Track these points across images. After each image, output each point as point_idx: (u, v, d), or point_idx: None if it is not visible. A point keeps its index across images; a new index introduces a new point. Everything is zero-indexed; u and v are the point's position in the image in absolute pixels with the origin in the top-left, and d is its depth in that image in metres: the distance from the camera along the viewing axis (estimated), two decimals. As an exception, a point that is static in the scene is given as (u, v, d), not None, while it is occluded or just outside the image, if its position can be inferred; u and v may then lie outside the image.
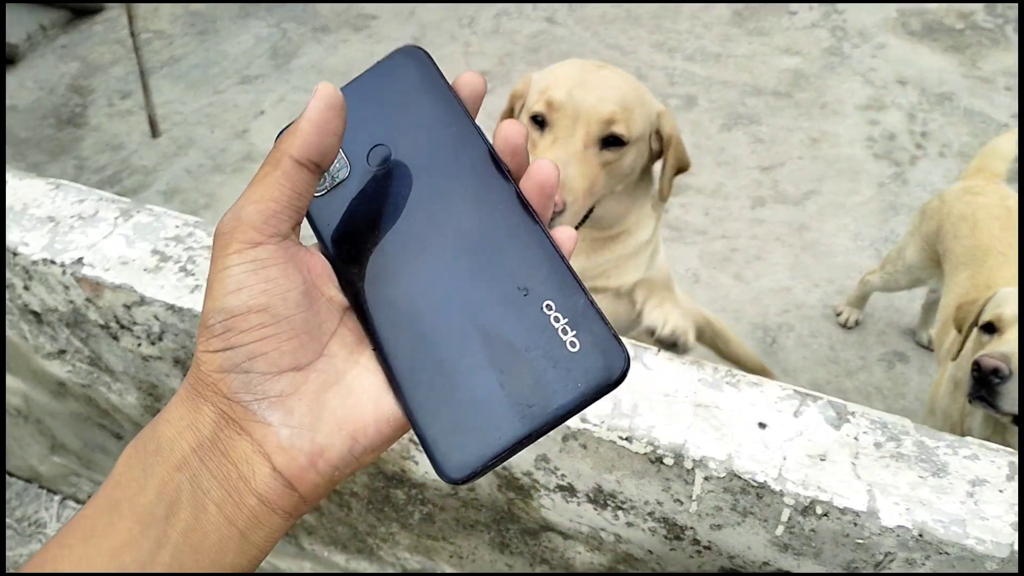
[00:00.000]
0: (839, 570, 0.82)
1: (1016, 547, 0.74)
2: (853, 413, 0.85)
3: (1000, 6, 3.34)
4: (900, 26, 3.28)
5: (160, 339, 1.06)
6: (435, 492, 1.08)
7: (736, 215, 2.54)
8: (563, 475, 0.91)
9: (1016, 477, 0.79)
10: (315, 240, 0.40)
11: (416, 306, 0.37)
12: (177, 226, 1.11)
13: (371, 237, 0.38)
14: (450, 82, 0.39)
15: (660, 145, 1.21)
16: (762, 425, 0.85)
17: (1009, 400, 1.21)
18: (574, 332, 0.34)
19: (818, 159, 2.71)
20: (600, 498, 0.91)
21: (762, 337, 2.18)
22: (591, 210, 1.17)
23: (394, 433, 0.37)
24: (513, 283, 0.35)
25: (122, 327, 1.08)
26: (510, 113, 1.24)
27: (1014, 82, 2.96)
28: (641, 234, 1.26)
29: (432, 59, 0.39)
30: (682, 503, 0.85)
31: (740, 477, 0.81)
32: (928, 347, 2.13)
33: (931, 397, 1.57)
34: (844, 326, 2.19)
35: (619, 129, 1.10)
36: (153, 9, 3.47)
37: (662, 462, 0.83)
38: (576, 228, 1.09)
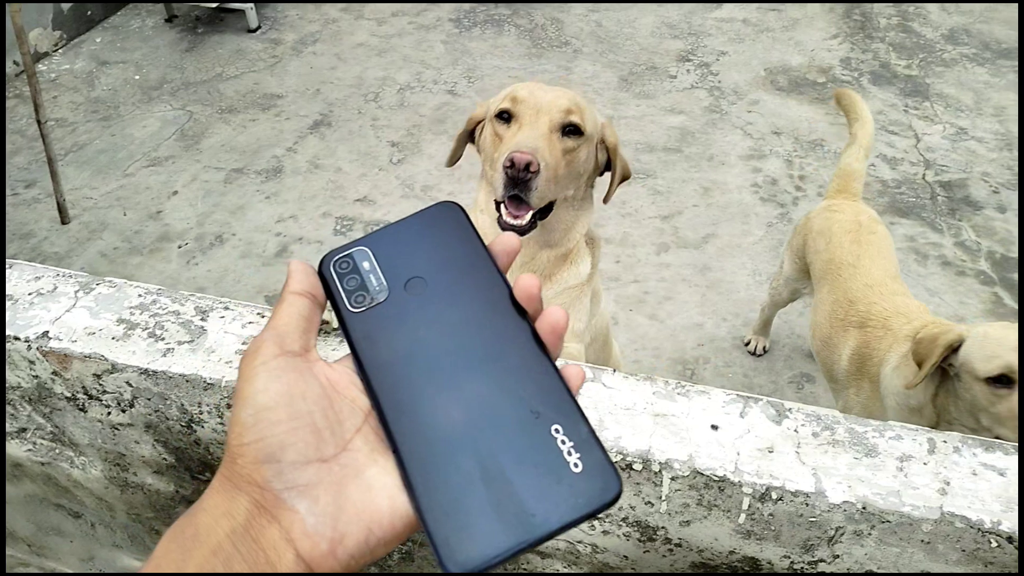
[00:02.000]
0: (798, 549, 0.92)
1: (943, 509, 0.87)
2: (790, 409, 0.97)
3: (854, 61, 3.74)
4: (769, 83, 3.62)
5: (131, 405, 1.08)
6: (413, 530, 1.13)
7: (644, 261, 2.71)
8: (541, 493, 0.98)
9: (936, 451, 0.92)
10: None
11: (436, 417, 0.40)
12: (140, 295, 1.14)
13: (399, 352, 0.42)
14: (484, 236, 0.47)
15: (607, 154, 1.36)
16: (714, 427, 0.95)
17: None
18: (578, 455, 0.38)
19: (712, 206, 2.94)
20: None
21: (681, 371, 2.33)
22: (550, 208, 1.27)
23: (406, 530, 0.40)
24: (527, 407, 0.40)
25: (90, 397, 1.09)
26: (470, 135, 1.39)
27: (875, 127, 3.29)
28: (582, 265, 1.37)
29: (466, 213, 0.47)
30: (653, 504, 0.94)
31: (702, 474, 0.90)
32: (830, 368, 2.32)
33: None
34: (754, 354, 2.37)
35: (576, 119, 1.24)
36: (52, 98, 3.43)
37: (632, 468, 0.92)
38: (530, 227, 1.23)
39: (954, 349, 1.38)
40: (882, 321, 1.60)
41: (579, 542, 1.02)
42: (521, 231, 1.23)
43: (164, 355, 1.04)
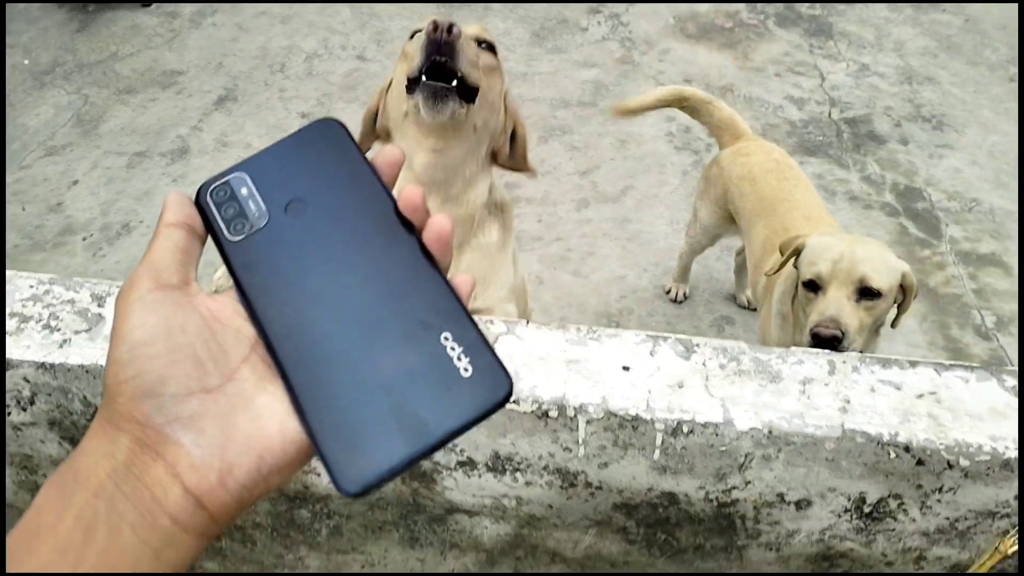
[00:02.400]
0: (711, 479, 0.95)
1: (844, 427, 0.90)
2: (697, 344, 0.99)
3: (760, 4, 3.79)
4: (679, 31, 3.65)
5: (32, 403, 1.04)
6: (340, 502, 1.12)
7: (565, 218, 2.72)
8: (462, 450, 0.99)
9: (836, 372, 0.96)
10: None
11: (322, 337, 0.40)
12: (32, 285, 1.09)
13: (282, 277, 0.42)
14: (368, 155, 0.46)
15: (513, 124, 1.34)
16: (626, 368, 0.97)
17: (848, 350, 1.39)
18: (468, 359, 0.38)
19: (628, 158, 2.96)
20: (498, 464, 0.99)
21: (606, 323, 2.36)
22: (474, 97, 1.17)
23: (299, 455, 0.39)
24: (415, 318, 0.40)
25: (-14, 397, 1.04)
26: (374, 114, 1.35)
27: (782, 68, 3.37)
28: (492, 232, 1.34)
29: (347, 129, 0.45)
30: (571, 450, 0.95)
31: (616, 415, 0.92)
32: (748, 307, 2.39)
33: (761, 332, 1.77)
34: (675, 301, 2.42)
35: (488, 38, 1.23)
36: (-69, 89, 3.23)
37: (548, 416, 0.93)
38: (457, 91, 1.12)
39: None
40: None
41: (503, 496, 1.03)
42: (445, 94, 1.11)
43: (60, 347, 1.00)
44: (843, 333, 1.40)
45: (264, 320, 0.41)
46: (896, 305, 1.54)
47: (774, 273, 1.61)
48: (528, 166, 1.40)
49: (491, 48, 1.23)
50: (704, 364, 0.97)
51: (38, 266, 2.51)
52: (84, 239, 2.63)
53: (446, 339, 0.39)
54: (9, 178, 2.86)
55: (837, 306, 1.43)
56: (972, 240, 2.58)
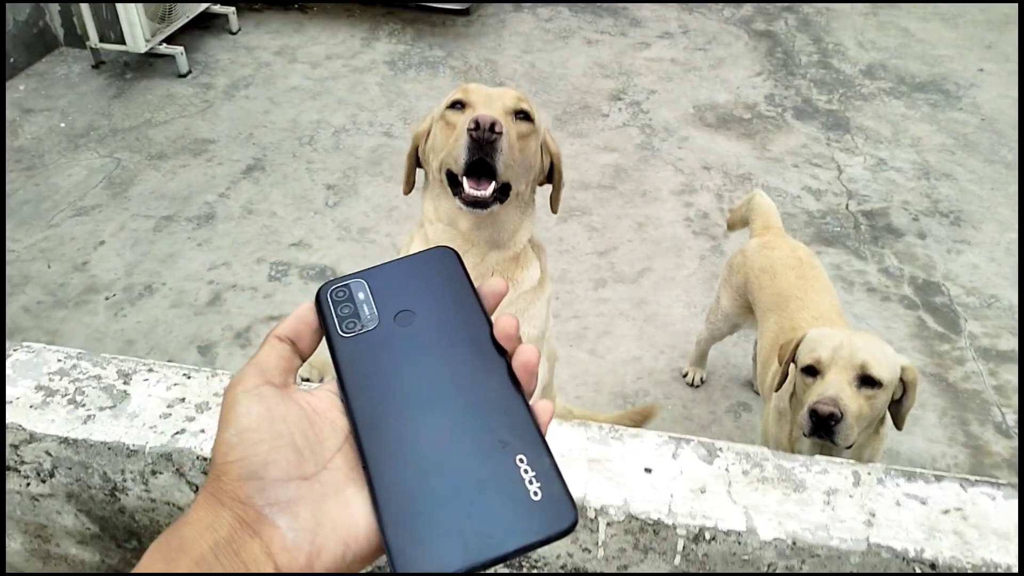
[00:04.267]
0: (731, 587, 0.93)
1: (869, 541, 0.89)
2: (720, 449, 0.99)
3: (777, 97, 3.88)
4: (698, 120, 3.72)
5: (52, 475, 1.04)
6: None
7: (582, 297, 2.73)
8: (479, 545, 0.98)
9: (861, 483, 0.95)
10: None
11: (407, 438, 0.43)
12: (60, 359, 1.10)
13: (381, 376, 0.46)
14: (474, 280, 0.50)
15: (550, 159, 1.41)
16: (648, 470, 0.96)
17: (844, 437, 1.38)
18: (539, 484, 0.40)
19: (646, 240, 2.99)
20: (514, 561, 0.98)
21: (622, 404, 2.34)
22: (507, 192, 1.27)
23: (381, 546, 0.42)
24: (495, 436, 0.42)
25: (8, 468, 1.05)
26: (415, 151, 1.42)
27: (800, 160, 3.43)
28: (532, 270, 1.39)
29: (460, 257, 0.50)
30: (590, 551, 0.94)
31: (637, 518, 0.91)
32: (766, 396, 2.37)
33: (763, 428, 1.77)
34: (692, 385, 2.40)
35: (526, 107, 1.29)
36: (-31, 148, 3.32)
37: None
38: (492, 202, 1.22)
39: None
40: None
41: (519, 592, 1.02)
42: (484, 203, 1.21)
43: (84, 422, 1.01)
44: (841, 414, 1.37)
45: (356, 412, 0.44)
46: (897, 402, 1.53)
47: (778, 387, 1.61)
48: (556, 207, 1.48)
49: (527, 116, 1.29)
50: (727, 469, 0.96)
51: (60, 323, 2.54)
52: (107, 298, 2.66)
53: (521, 460, 0.41)
54: (37, 236, 2.91)
55: (837, 387, 1.40)
56: (992, 336, 2.57)
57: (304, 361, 0.48)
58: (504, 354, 0.46)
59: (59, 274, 2.74)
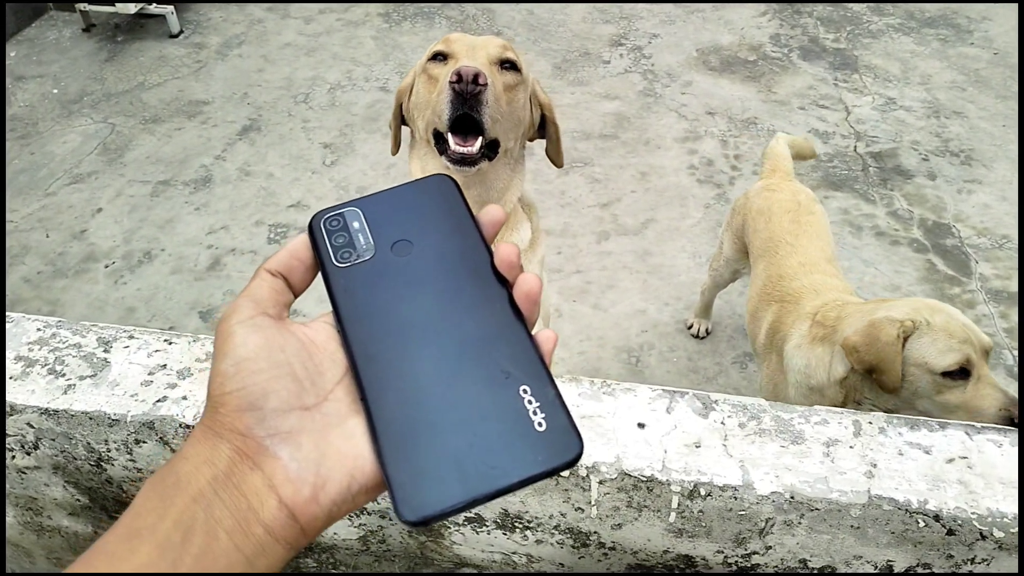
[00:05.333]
0: (730, 543, 0.91)
1: (870, 493, 0.86)
2: (716, 401, 0.96)
3: (783, 37, 3.77)
4: (701, 64, 3.63)
5: (36, 447, 1.02)
6: (346, 553, 1.09)
7: (585, 250, 2.69)
8: (470, 506, 0.96)
9: (862, 434, 0.92)
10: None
11: (406, 370, 0.42)
12: (39, 328, 1.08)
13: (378, 307, 0.44)
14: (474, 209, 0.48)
15: (540, 112, 1.33)
16: (641, 425, 0.93)
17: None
18: (543, 415, 0.39)
19: (650, 190, 2.93)
20: (507, 522, 0.96)
21: (627, 358, 2.32)
22: (496, 148, 1.20)
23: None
24: (498, 367, 0.41)
25: (-9, 442, 1.03)
26: (399, 109, 1.35)
27: (806, 102, 3.34)
28: (523, 231, 1.34)
29: (458, 185, 0.49)
30: (583, 510, 0.92)
31: (630, 475, 0.88)
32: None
33: (768, 395, 1.61)
34: (697, 336, 2.37)
35: (511, 55, 1.20)
36: (-39, 118, 3.28)
37: (559, 475, 0.90)
38: (480, 158, 1.15)
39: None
40: (795, 296, 1.60)
41: (513, 553, 1.00)
42: (472, 161, 1.15)
43: (65, 392, 0.99)
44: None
45: (354, 344, 0.43)
46: None
47: (895, 388, 1.33)
48: (559, 161, 1.41)
49: (513, 66, 1.21)
50: (723, 423, 0.93)
51: (60, 293, 2.53)
52: (106, 266, 2.64)
53: (524, 391, 0.40)
54: (35, 205, 2.89)
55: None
56: (1003, 278, 2.52)
57: (296, 297, 0.46)
58: (505, 284, 0.44)
59: (58, 243, 2.72)
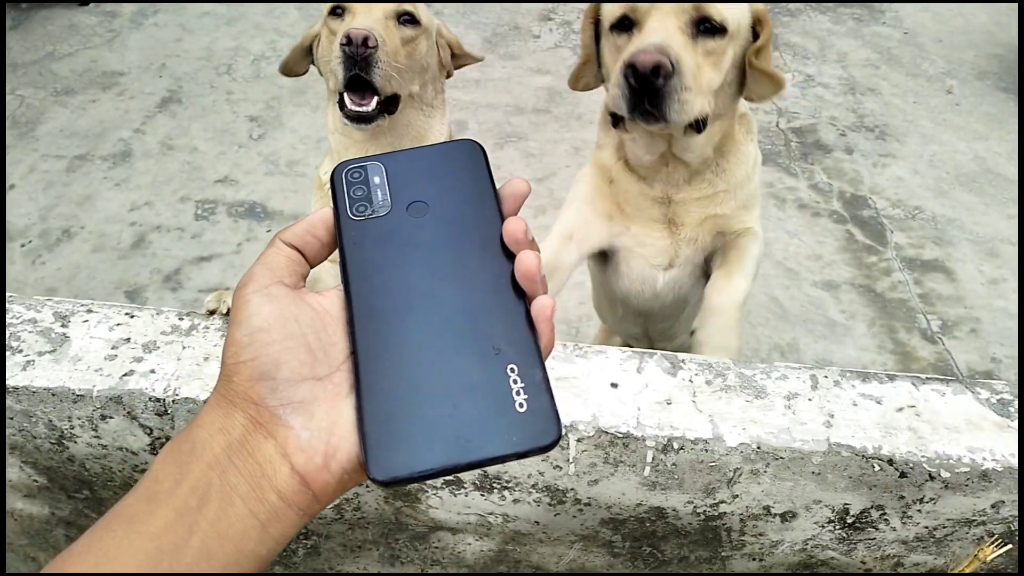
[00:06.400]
0: (700, 494, 0.96)
1: (830, 441, 0.92)
2: (684, 361, 1.00)
3: None
4: (629, 40, 3.69)
5: (-10, 427, 0.98)
6: (319, 521, 1.09)
7: (523, 224, 2.71)
8: (449, 470, 0.97)
9: (819, 387, 0.97)
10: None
11: (399, 329, 0.42)
12: (-13, 305, 1.03)
13: (383, 265, 0.44)
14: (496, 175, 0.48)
15: (450, 51, 1.33)
16: (614, 385, 0.96)
17: (680, 106, 0.96)
18: (526, 396, 0.39)
19: (583, 164, 2.97)
20: (486, 483, 0.98)
21: (566, 329, 2.36)
22: (396, 103, 1.20)
23: None
24: (490, 342, 0.41)
25: (-61, 423, 0.98)
26: (308, 51, 1.34)
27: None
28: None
29: (486, 154, 0.48)
30: (561, 468, 0.95)
31: (607, 432, 0.92)
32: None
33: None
34: (636, 307, 2.44)
35: (408, 7, 1.19)
36: None
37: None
38: (376, 115, 1.15)
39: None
40: None
41: (489, 513, 1.02)
42: (367, 118, 1.16)
43: (24, 368, 0.95)
44: (673, 66, 0.94)
45: (354, 298, 0.43)
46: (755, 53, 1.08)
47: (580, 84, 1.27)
48: (471, 58, 1.41)
49: (412, 18, 1.20)
50: (691, 380, 0.97)
51: (-28, 275, 2.40)
52: (22, 245, 2.51)
53: (511, 370, 0.40)
54: (-62, 182, 2.72)
55: (664, 34, 0.97)
56: (916, 247, 2.67)
57: (311, 269, 0.46)
58: (512, 259, 0.43)
59: (-34, 221, 2.57)
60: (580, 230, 1.28)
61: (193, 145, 2.95)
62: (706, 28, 1.00)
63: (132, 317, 1.01)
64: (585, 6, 1.17)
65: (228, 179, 2.81)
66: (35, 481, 1.05)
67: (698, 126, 1.04)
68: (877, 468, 0.91)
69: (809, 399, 0.96)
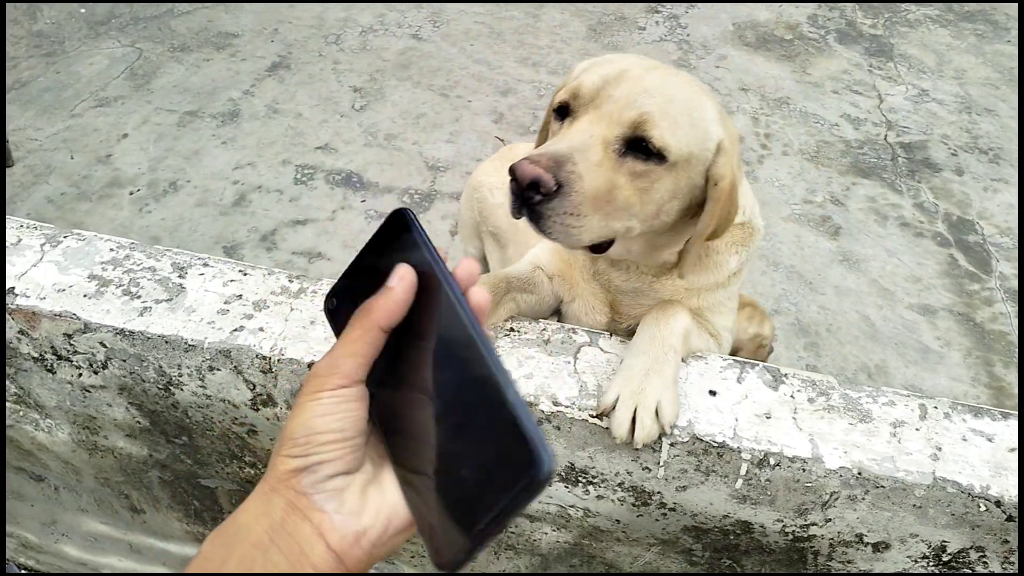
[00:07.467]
0: (791, 513, 0.93)
1: (935, 475, 0.88)
2: (786, 375, 0.97)
3: (821, 18, 3.73)
4: (737, 38, 3.60)
5: (105, 367, 1.03)
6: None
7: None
8: (537, 458, 0.97)
9: (928, 417, 0.94)
10: None
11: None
12: (112, 249, 1.08)
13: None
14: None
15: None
16: (713, 392, 0.95)
17: (558, 225, 0.83)
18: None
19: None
20: (572, 476, 0.98)
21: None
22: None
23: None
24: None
25: (60, 358, 1.04)
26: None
27: (840, 86, 3.32)
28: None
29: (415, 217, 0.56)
30: (650, 470, 0.94)
31: (702, 440, 0.90)
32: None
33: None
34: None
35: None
36: (-13, 29, 3.22)
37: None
38: (598, 250, 0.92)
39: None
40: None
41: (571, 506, 1.02)
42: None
43: (141, 314, 0.99)
44: (558, 183, 0.81)
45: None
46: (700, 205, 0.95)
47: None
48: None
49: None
50: (792, 396, 0.95)
51: (83, 216, 2.52)
52: (131, 193, 2.62)
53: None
54: (59, 125, 2.85)
55: (582, 140, 0.85)
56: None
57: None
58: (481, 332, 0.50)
59: (82, 165, 2.70)
60: (547, 266, 1.15)
61: (298, 111, 3.02)
62: (642, 148, 0.86)
63: (245, 275, 1.04)
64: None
65: (328, 147, 2.87)
66: (138, 423, 1.10)
67: (602, 246, 0.92)
68: (983, 508, 0.87)
69: (916, 429, 0.93)
